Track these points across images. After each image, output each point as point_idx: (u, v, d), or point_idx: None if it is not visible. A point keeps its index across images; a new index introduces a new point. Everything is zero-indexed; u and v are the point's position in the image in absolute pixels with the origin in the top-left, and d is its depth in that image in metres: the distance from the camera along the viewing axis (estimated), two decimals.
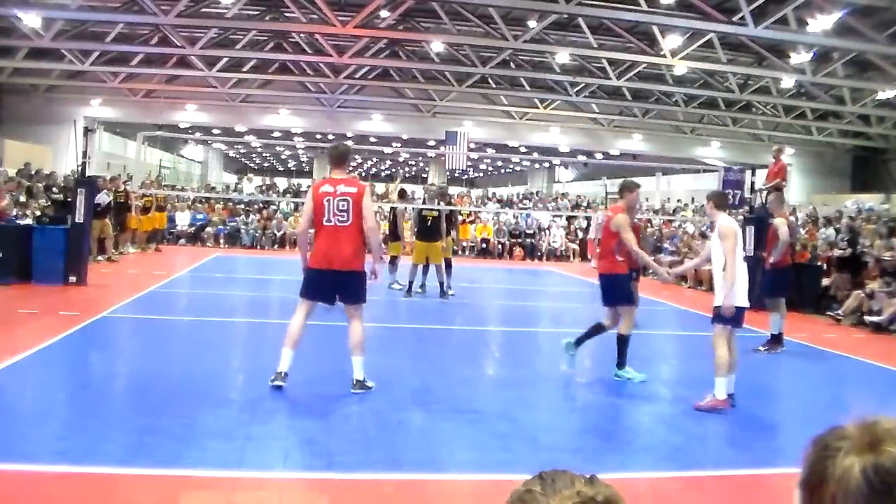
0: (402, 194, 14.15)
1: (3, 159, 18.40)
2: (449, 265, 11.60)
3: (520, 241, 22.06)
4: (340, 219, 5.36)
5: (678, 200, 26.34)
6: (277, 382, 5.25)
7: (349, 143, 22.87)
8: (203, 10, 15.05)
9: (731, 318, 5.56)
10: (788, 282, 8.75)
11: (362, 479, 3.88)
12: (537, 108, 23.13)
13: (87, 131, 11.11)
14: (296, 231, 18.32)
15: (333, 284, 5.41)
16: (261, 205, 21.86)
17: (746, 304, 5.65)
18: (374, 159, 47.72)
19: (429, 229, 11.20)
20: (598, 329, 6.55)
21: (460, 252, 20.59)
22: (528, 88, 21.57)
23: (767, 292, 8.49)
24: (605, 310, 6.51)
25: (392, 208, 13.38)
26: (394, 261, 12.34)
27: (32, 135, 20.75)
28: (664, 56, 16.09)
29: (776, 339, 8.23)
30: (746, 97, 20.10)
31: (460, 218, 19.25)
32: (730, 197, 8.28)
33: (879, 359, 8.14)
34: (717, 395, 5.41)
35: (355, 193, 5.40)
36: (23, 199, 13.29)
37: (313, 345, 7.98)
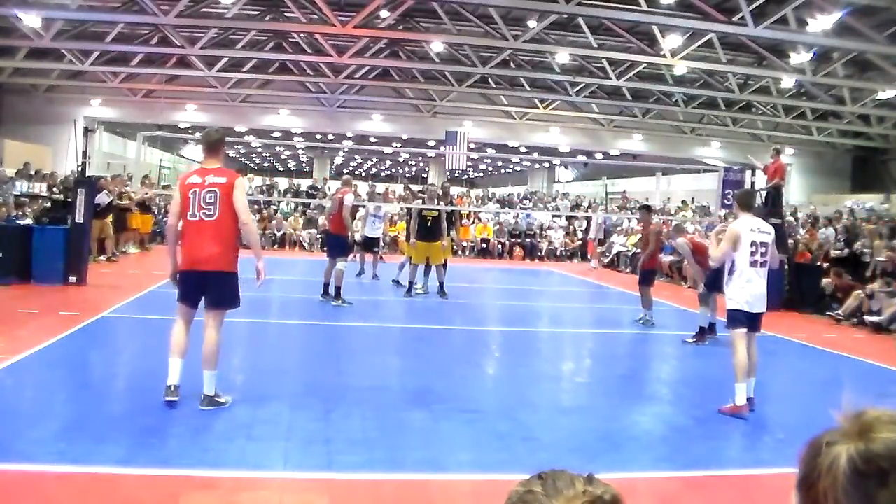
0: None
1: (3, 159, 18.39)
2: (444, 265, 11.62)
3: (520, 241, 22.07)
4: (206, 213, 4.79)
5: (684, 202, 26.29)
6: (169, 398, 4.79)
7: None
8: (203, 10, 15.05)
9: (732, 320, 5.60)
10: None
11: (362, 479, 3.88)
12: (537, 108, 23.12)
13: (87, 131, 11.13)
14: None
15: (198, 286, 4.88)
16: (261, 205, 21.85)
17: (747, 308, 5.54)
18: (374, 159, 47.74)
19: (429, 229, 11.20)
20: None
21: (460, 252, 20.59)
22: (528, 88, 21.57)
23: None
24: None
25: (408, 209, 13.38)
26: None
27: (32, 135, 20.74)
28: (664, 56, 16.08)
29: (702, 332, 8.57)
30: (746, 97, 20.09)
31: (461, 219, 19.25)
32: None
33: (879, 359, 8.15)
34: (735, 402, 5.36)
35: (224, 184, 4.82)
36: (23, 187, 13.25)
37: (313, 345, 8.00)
